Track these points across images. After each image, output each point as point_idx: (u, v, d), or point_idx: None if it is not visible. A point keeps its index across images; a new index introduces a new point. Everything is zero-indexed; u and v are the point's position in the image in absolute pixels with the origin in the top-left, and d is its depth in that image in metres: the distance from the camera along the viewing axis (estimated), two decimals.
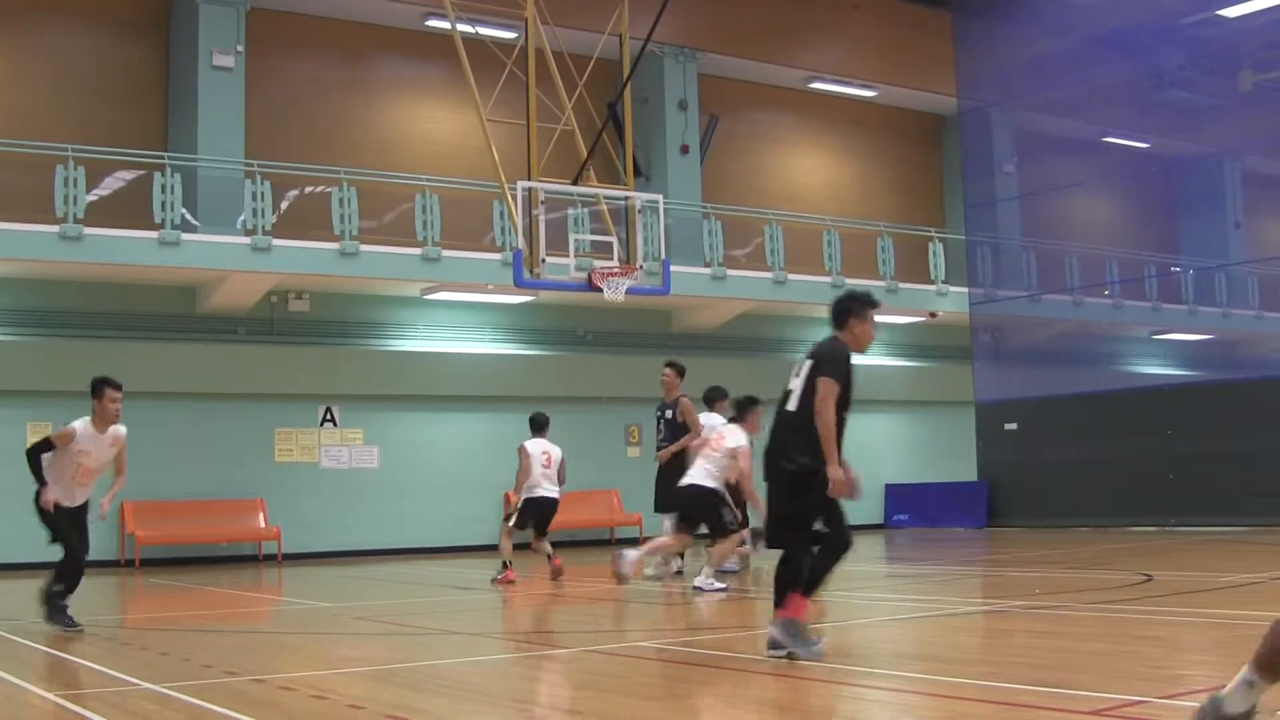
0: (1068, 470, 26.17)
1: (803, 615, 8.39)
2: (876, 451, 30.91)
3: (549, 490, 17.26)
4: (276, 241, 23.49)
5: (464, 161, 26.89)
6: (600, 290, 18.70)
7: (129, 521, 23.26)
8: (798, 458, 8.49)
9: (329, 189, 24.69)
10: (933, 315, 31.05)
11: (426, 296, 26.17)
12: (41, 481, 11.66)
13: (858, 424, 31.44)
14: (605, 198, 20.35)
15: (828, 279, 29.10)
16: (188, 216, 23.27)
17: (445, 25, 21.04)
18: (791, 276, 28.63)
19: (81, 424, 11.66)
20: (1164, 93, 32.51)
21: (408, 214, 25.06)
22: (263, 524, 24.31)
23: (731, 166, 32.13)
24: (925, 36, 31.88)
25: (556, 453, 17.46)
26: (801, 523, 8.55)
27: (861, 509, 29.98)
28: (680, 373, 17.13)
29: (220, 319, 24.98)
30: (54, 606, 11.71)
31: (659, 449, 17.03)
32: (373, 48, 28.21)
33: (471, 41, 20.09)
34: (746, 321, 29.62)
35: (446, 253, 24.83)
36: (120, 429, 11.83)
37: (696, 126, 30.57)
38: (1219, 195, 37.14)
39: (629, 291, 19.01)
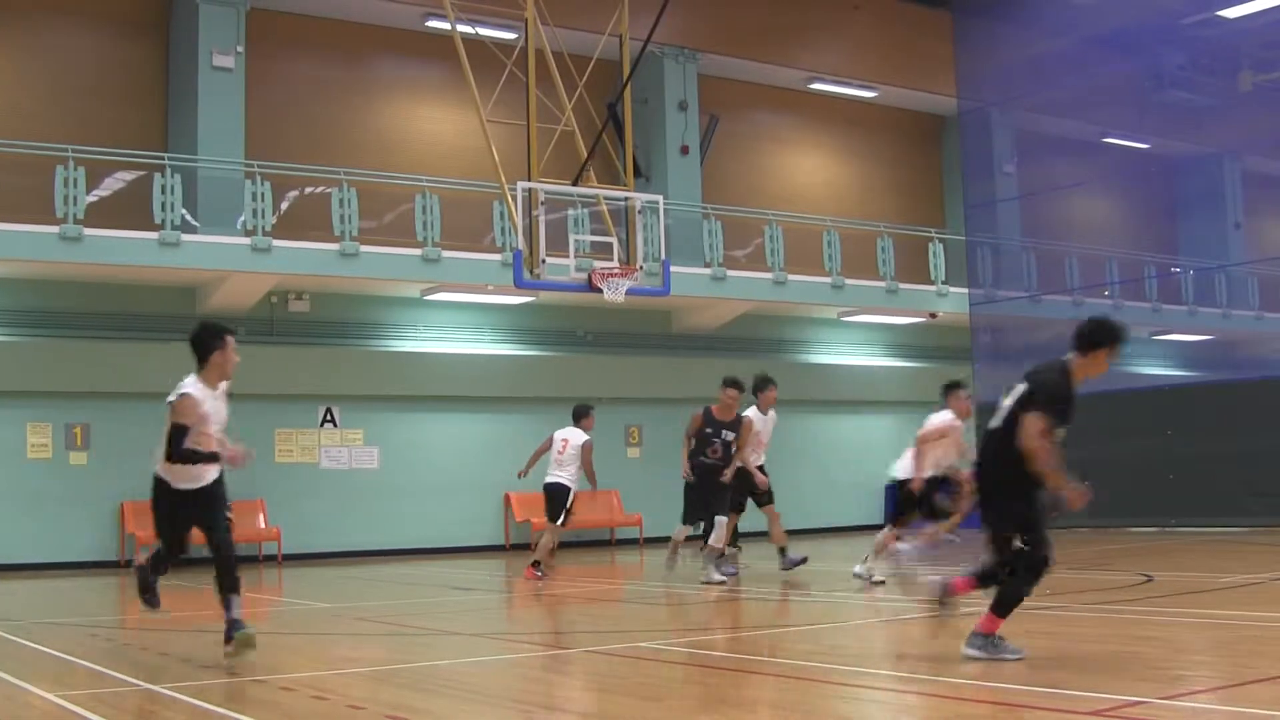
0: (1067, 471, 26.10)
1: (995, 630, 8.28)
2: (876, 452, 30.84)
3: (554, 476, 17.78)
4: (276, 242, 23.48)
5: (464, 162, 26.88)
6: (600, 291, 18.69)
7: (129, 522, 23.26)
8: (1003, 476, 8.38)
9: (329, 189, 24.68)
10: (933, 316, 31.05)
11: (426, 297, 26.17)
12: (211, 453, 9.41)
13: (858, 425, 31.46)
14: (605, 198, 20.34)
15: (827, 279, 29.10)
16: (187, 217, 23.26)
17: (445, 26, 21.02)
18: (791, 277, 28.62)
19: (192, 383, 9.53)
20: (1164, 93, 32.50)
21: (407, 214, 25.05)
22: (263, 524, 24.29)
23: (731, 167, 32.13)
24: (925, 37, 31.87)
25: (575, 440, 17.83)
26: (1008, 539, 8.42)
27: (861, 510, 30.07)
28: (742, 390, 16.41)
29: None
30: (145, 584, 9.95)
31: (709, 466, 16.21)
32: (373, 48, 28.20)
33: (471, 42, 20.08)
34: (747, 322, 29.61)
35: (446, 253, 24.81)
36: (224, 382, 9.80)
37: (696, 127, 30.56)
38: (1219, 196, 37.13)
39: (629, 292, 18.99)
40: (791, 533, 21.11)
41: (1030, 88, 30.90)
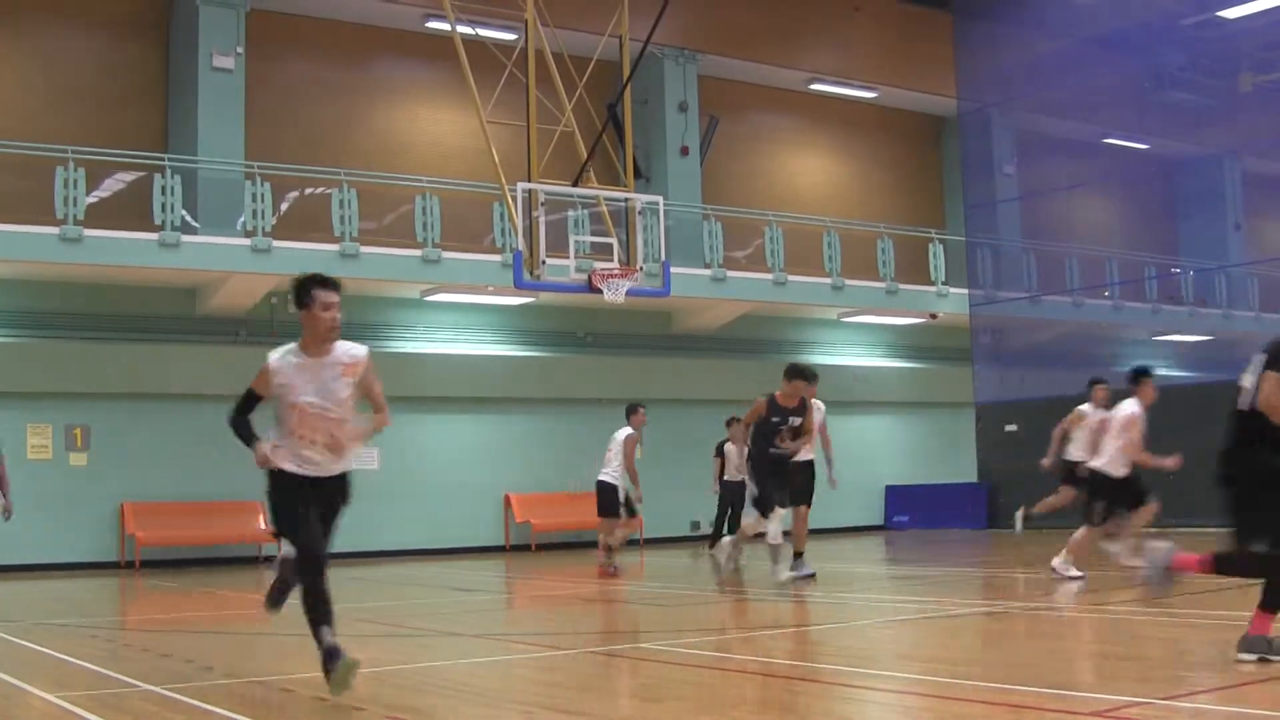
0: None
1: (1267, 630, 7.76)
2: (876, 453, 30.93)
3: (601, 475, 18.37)
4: (276, 243, 23.49)
5: (464, 163, 26.91)
6: (600, 292, 18.71)
7: (129, 523, 23.27)
8: (1265, 458, 7.75)
9: (329, 190, 24.69)
10: (933, 317, 31.06)
11: (426, 298, 26.18)
12: (251, 438, 8.15)
13: (858, 425, 31.50)
14: (605, 199, 20.36)
15: (828, 280, 29.12)
16: (187, 218, 23.28)
17: (445, 27, 21.04)
18: (791, 278, 28.63)
19: (279, 352, 8.26)
20: (1164, 94, 32.53)
21: (408, 216, 25.06)
22: (262, 525, 24.28)
23: (732, 168, 32.14)
24: (925, 38, 31.90)
25: (618, 437, 18.41)
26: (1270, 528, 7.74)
27: (861, 511, 30.08)
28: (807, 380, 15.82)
29: (220, 320, 24.97)
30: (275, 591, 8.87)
31: (779, 456, 15.61)
32: (373, 49, 28.22)
33: (471, 43, 20.10)
34: (747, 323, 29.61)
35: (447, 254, 24.83)
36: (356, 349, 8.45)
37: (696, 128, 30.58)
38: (1219, 196, 37.16)
39: (629, 293, 19.02)
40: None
41: (1030, 88, 30.94)
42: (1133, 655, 8.67)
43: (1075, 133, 34.04)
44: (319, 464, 8.10)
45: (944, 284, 30.88)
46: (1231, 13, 29.60)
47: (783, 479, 15.47)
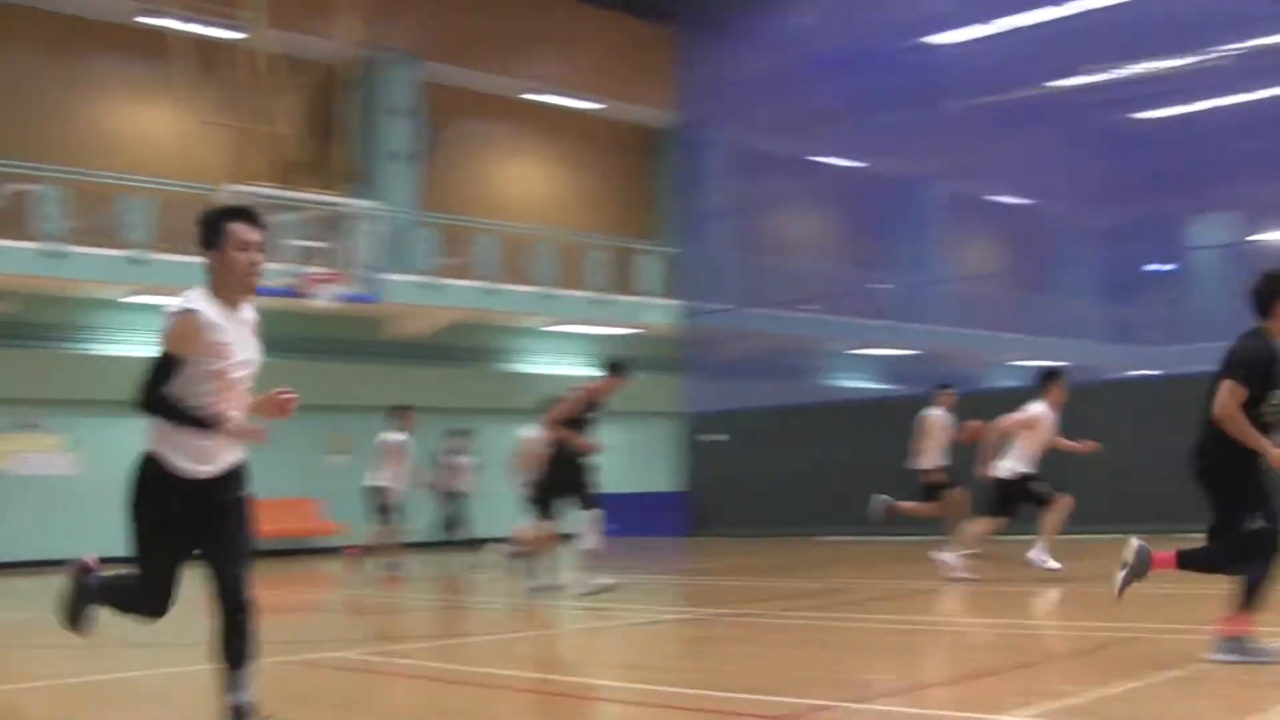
0: (772, 480, 26.59)
1: (1245, 630, 7.68)
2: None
3: (374, 479, 18.66)
4: None
5: (178, 162, 26.12)
6: (310, 296, 18.46)
7: None
8: (1211, 454, 7.84)
9: (33, 187, 23.77)
10: (644, 327, 31.37)
11: (134, 300, 25.36)
12: (203, 417, 5.91)
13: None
14: (320, 203, 20.09)
15: (539, 289, 29.21)
16: None
17: (158, 22, 20.49)
18: (503, 286, 28.62)
19: (200, 300, 6.10)
20: (874, 116, 33.41)
21: (116, 215, 24.27)
22: None
23: (452, 174, 31.94)
24: (647, 51, 32.24)
25: (390, 440, 18.71)
26: (1233, 523, 7.79)
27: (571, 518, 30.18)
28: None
29: None
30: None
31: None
32: (82, 41, 27.15)
33: (187, 40, 19.63)
34: (460, 330, 29.52)
35: (155, 256, 24.09)
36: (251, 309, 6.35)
37: (417, 134, 30.32)
38: (923, 215, 38.40)
39: (339, 298, 18.84)
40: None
41: (747, 106, 31.49)
42: (823, 659, 8.84)
43: (788, 150, 34.78)
44: (213, 458, 6.06)
45: (656, 295, 31.24)
46: (938, 40, 30.63)
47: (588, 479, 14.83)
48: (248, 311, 6.28)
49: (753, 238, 34.19)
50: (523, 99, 32.95)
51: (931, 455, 17.57)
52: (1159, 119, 35.39)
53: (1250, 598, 7.62)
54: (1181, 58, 30.88)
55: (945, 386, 18.10)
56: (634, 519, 29.61)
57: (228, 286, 6.19)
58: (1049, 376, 14.39)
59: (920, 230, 38.18)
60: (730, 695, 7.22)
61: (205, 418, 5.86)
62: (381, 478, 18.54)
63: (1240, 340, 7.85)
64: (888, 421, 25.34)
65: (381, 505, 18.51)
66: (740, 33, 30.14)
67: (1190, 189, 38.08)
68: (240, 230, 6.24)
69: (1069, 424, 14.38)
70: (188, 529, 6.20)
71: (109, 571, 6.58)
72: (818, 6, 30.94)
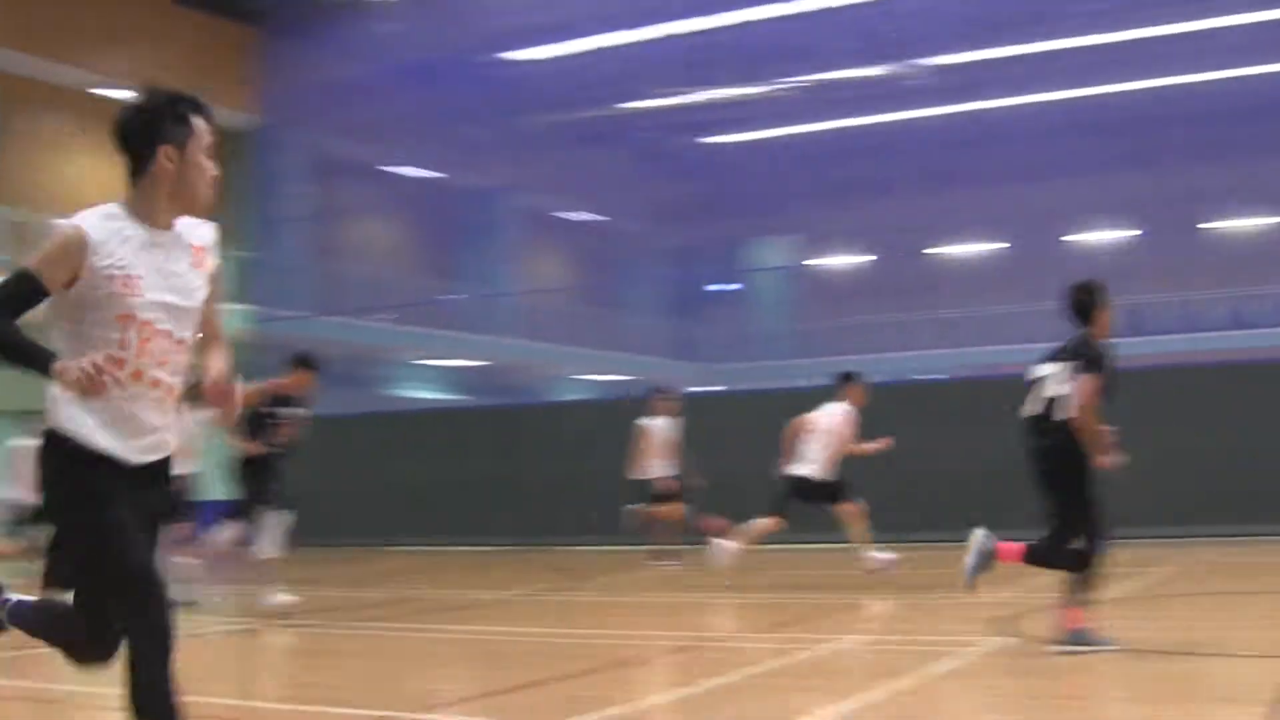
0: (344, 491, 26.31)
1: (1080, 623, 7.96)
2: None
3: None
4: None
5: None
6: None
7: None
8: (1051, 457, 8.09)
9: None
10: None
11: None
12: (39, 353, 4.16)
13: None
14: None
15: None
16: None
17: None
18: None
19: (95, 215, 4.44)
20: (453, 127, 33.67)
21: None
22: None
23: (15, 165, 30.64)
24: (231, 52, 31.61)
25: (29, 448, 17.11)
26: (1074, 522, 8.07)
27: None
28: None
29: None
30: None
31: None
32: None
33: None
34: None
35: None
36: (200, 222, 5.10)
37: None
38: (497, 228, 38.88)
39: None
40: None
41: (328, 111, 31.25)
42: (389, 670, 8.87)
43: (369, 157, 34.75)
44: (148, 436, 4.39)
45: (229, 301, 30.66)
46: (518, 55, 31.10)
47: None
48: (201, 231, 4.95)
49: (329, 245, 34.00)
50: (91, 92, 31.84)
51: (658, 464, 16.89)
52: (727, 144, 36.93)
53: (1082, 588, 8.06)
54: (751, 86, 32.29)
55: (661, 391, 17.37)
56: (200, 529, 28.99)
57: (177, 199, 4.76)
58: (847, 378, 14.16)
59: (494, 243, 38.68)
60: (293, 708, 7.22)
61: (35, 353, 4.12)
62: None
63: (1079, 343, 8.14)
64: (459, 432, 25.66)
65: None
66: (325, 38, 29.92)
67: (754, 213, 39.88)
68: (206, 131, 4.93)
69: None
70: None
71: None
72: (404, 15, 30.96)
